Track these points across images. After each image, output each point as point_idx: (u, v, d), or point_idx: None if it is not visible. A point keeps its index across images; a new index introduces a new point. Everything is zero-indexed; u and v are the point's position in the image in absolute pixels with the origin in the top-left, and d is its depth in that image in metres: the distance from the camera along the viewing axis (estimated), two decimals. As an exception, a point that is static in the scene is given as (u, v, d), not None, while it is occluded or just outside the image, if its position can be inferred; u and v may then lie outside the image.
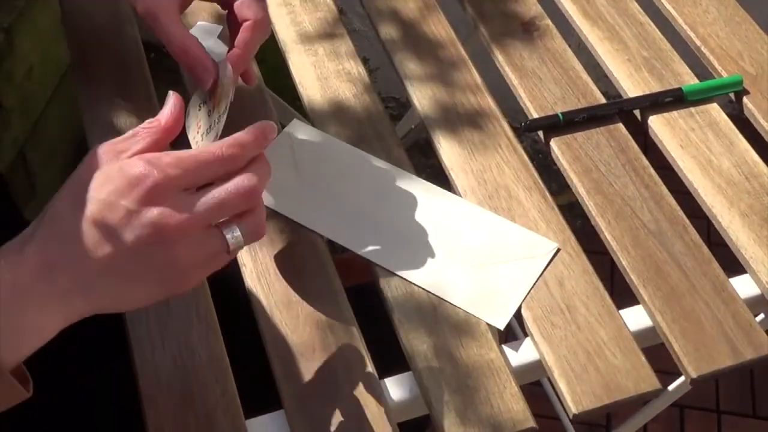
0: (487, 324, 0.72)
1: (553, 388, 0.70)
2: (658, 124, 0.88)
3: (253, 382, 0.68)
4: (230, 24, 0.78)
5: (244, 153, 0.60)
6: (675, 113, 0.89)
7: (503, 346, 0.73)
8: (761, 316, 0.79)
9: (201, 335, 0.71)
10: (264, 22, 0.75)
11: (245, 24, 0.75)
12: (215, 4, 0.97)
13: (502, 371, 0.69)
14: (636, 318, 0.74)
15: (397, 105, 2.08)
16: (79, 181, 0.57)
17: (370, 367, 0.69)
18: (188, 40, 0.74)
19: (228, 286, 0.79)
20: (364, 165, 0.83)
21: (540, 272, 0.75)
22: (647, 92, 0.90)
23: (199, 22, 0.95)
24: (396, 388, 0.70)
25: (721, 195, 0.82)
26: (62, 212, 0.56)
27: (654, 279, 0.75)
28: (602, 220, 0.80)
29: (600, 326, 0.72)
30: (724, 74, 0.93)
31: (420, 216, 0.79)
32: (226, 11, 0.79)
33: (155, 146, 0.59)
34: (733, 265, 0.79)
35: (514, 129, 0.87)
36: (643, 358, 0.70)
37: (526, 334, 0.73)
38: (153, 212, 0.55)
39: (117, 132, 0.79)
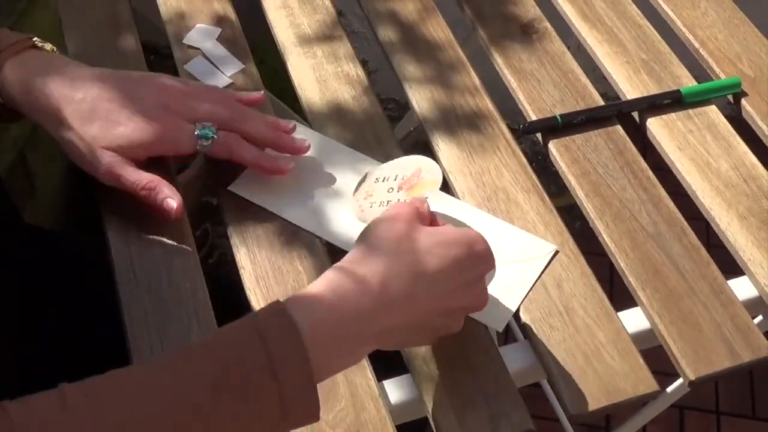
0: (486, 326, 0.72)
1: (553, 389, 0.70)
2: (656, 126, 0.88)
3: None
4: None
5: None
6: (673, 115, 0.89)
7: (502, 348, 0.73)
8: (759, 318, 0.79)
9: (201, 339, 0.71)
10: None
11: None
12: (215, 6, 0.97)
13: (500, 373, 0.69)
14: (634, 320, 0.74)
15: (397, 107, 2.08)
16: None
17: (369, 370, 0.69)
18: (147, 176, 0.76)
19: (227, 289, 0.79)
20: (363, 167, 0.83)
21: (538, 274, 0.75)
22: (646, 94, 0.90)
23: (197, 25, 0.95)
24: (395, 390, 0.70)
25: (719, 197, 0.82)
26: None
27: (652, 281, 0.75)
28: (601, 222, 0.80)
29: (598, 328, 0.72)
30: (723, 76, 0.93)
31: None
32: None
33: None
34: (731, 267, 0.79)
35: (513, 131, 0.87)
36: (642, 360, 0.70)
37: (524, 337, 0.73)
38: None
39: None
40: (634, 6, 1.00)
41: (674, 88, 0.91)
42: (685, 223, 0.80)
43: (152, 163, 0.77)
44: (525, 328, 0.73)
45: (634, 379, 0.69)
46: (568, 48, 0.96)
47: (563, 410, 0.69)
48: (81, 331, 0.86)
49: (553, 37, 0.96)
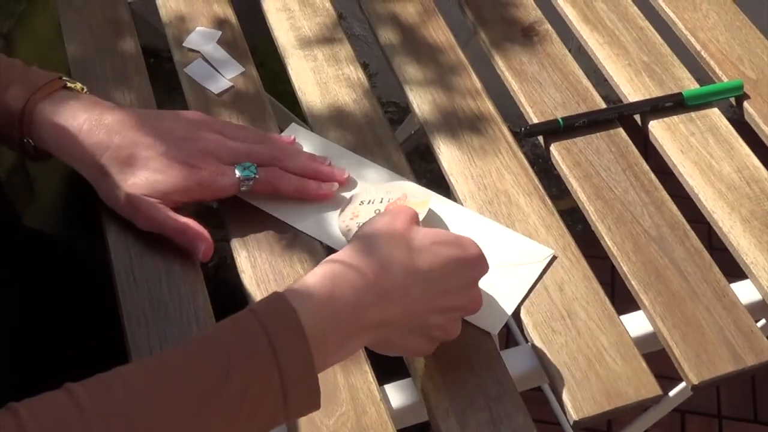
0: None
1: (554, 393, 0.70)
2: (658, 129, 0.88)
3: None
4: None
5: None
6: (675, 118, 0.88)
7: (503, 351, 0.72)
8: (762, 321, 0.79)
9: (201, 333, 0.71)
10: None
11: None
12: (215, 9, 0.97)
13: (502, 377, 0.69)
14: (637, 324, 0.74)
15: (397, 110, 2.08)
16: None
17: (370, 373, 0.69)
18: (182, 221, 0.76)
19: (227, 292, 0.79)
20: (363, 171, 0.82)
21: (535, 279, 0.75)
22: (647, 97, 0.90)
23: (197, 28, 0.94)
24: (396, 394, 0.70)
25: (722, 200, 0.81)
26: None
27: (655, 285, 0.75)
28: (602, 225, 0.79)
29: (600, 332, 0.72)
30: (725, 79, 0.92)
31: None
32: None
33: None
34: (734, 270, 0.79)
35: (514, 134, 0.87)
36: (644, 364, 0.70)
37: (526, 340, 0.73)
38: None
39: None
40: (635, 8, 1.00)
41: (676, 90, 0.90)
42: (688, 226, 0.79)
43: None
44: (526, 332, 0.72)
45: (637, 383, 0.69)
46: (569, 50, 0.96)
47: (565, 415, 0.68)
48: (81, 335, 0.86)
49: (554, 40, 0.96)
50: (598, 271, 0.77)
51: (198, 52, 0.93)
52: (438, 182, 0.86)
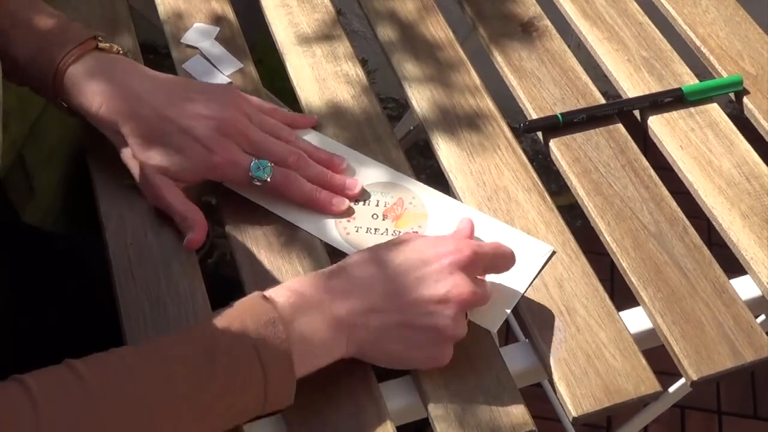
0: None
1: (554, 389, 0.70)
2: (657, 124, 0.88)
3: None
4: None
5: None
6: (675, 113, 0.88)
7: (502, 348, 0.72)
8: (762, 317, 0.78)
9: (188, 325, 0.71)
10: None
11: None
12: (213, 5, 0.96)
13: (501, 374, 0.69)
14: (636, 320, 0.74)
15: (396, 105, 2.07)
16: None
17: (369, 371, 0.69)
18: (187, 207, 0.77)
19: (226, 289, 0.79)
20: (362, 167, 0.82)
21: (534, 275, 0.75)
22: (647, 92, 0.90)
23: (195, 24, 0.94)
24: (395, 391, 0.70)
25: (721, 196, 0.81)
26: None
27: (654, 281, 0.75)
28: (602, 221, 0.79)
29: (600, 328, 0.72)
30: (724, 74, 0.92)
31: None
32: None
33: None
34: (733, 265, 0.79)
35: (513, 130, 0.86)
36: (644, 361, 0.70)
37: (525, 337, 0.73)
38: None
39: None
40: (635, 4, 1.00)
41: (675, 86, 0.90)
42: (687, 222, 0.79)
43: None
44: (526, 328, 0.72)
45: (636, 379, 0.69)
46: (569, 46, 0.95)
47: (564, 411, 0.68)
48: (79, 331, 0.86)
49: (554, 36, 0.96)
50: (598, 267, 0.76)
51: (196, 48, 0.92)
52: (437, 178, 0.85)
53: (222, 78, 0.89)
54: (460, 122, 0.87)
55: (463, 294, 0.66)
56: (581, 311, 0.72)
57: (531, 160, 0.84)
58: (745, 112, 0.90)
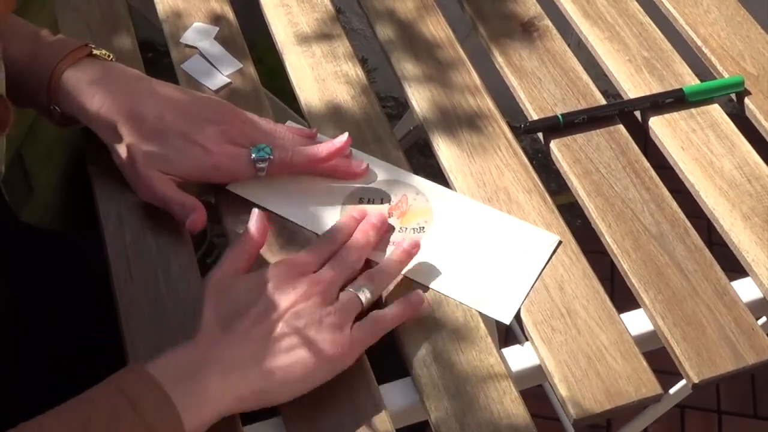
0: (486, 328, 0.71)
1: (554, 392, 0.69)
2: (658, 125, 0.87)
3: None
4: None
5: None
6: (676, 114, 0.88)
7: (503, 350, 0.72)
8: (763, 319, 0.78)
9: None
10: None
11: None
12: (212, 5, 0.96)
13: (501, 376, 0.68)
14: (637, 322, 0.74)
15: (396, 104, 2.07)
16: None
17: (369, 373, 0.69)
18: (183, 195, 0.77)
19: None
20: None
21: (543, 265, 0.75)
22: (648, 93, 0.89)
23: (194, 24, 0.94)
24: (394, 393, 0.69)
25: (722, 197, 0.81)
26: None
27: (655, 282, 0.75)
28: (603, 222, 0.79)
29: (601, 330, 0.71)
30: (725, 75, 0.92)
31: None
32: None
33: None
34: (734, 264, 0.78)
35: (514, 129, 0.86)
36: (645, 363, 0.70)
37: (526, 339, 0.73)
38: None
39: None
40: (635, 3, 0.99)
41: (676, 86, 0.90)
42: (689, 223, 0.79)
43: None
44: (526, 330, 0.72)
45: (637, 381, 0.68)
46: (569, 45, 0.95)
47: (565, 413, 0.68)
48: (78, 331, 0.86)
49: (554, 36, 0.96)
50: (599, 266, 0.76)
51: (195, 48, 0.92)
52: (437, 178, 0.85)
53: (221, 78, 0.89)
54: (460, 122, 0.86)
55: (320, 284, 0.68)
56: (582, 313, 0.72)
57: (531, 159, 0.84)
58: (747, 113, 0.90)
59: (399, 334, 0.71)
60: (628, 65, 0.93)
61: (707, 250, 0.77)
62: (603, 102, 0.89)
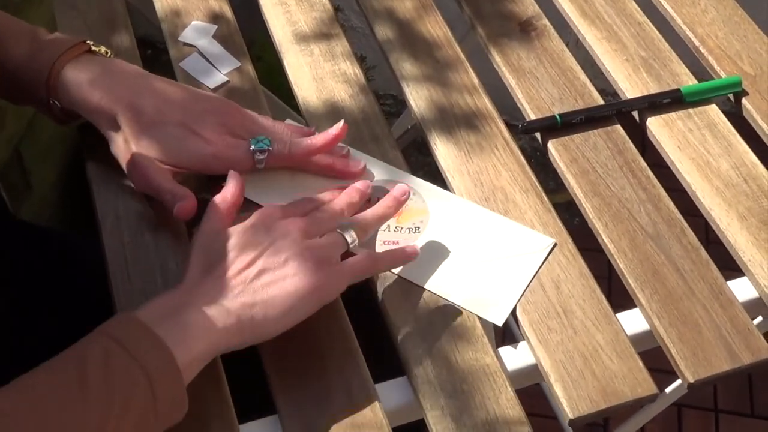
0: (483, 328, 0.71)
1: (550, 391, 0.69)
2: (656, 125, 0.87)
3: (248, 387, 0.68)
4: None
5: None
6: (673, 114, 0.88)
7: (499, 350, 0.72)
8: (759, 319, 0.78)
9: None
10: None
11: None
12: (210, 3, 0.96)
13: (497, 376, 0.69)
14: (633, 322, 0.74)
15: (395, 102, 2.07)
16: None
17: (365, 372, 0.69)
18: (175, 185, 0.78)
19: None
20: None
21: (537, 268, 0.75)
22: (645, 92, 0.89)
23: (193, 22, 0.94)
24: (391, 392, 0.70)
25: (719, 197, 0.81)
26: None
27: (651, 282, 0.75)
28: (599, 222, 0.79)
29: (597, 330, 0.71)
30: (723, 74, 0.92)
31: None
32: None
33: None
34: (730, 264, 0.79)
35: (512, 128, 0.86)
36: (640, 363, 0.70)
37: (522, 338, 0.73)
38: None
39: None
40: (633, 3, 0.99)
41: (674, 86, 0.90)
42: (685, 224, 0.79)
43: None
44: (522, 330, 0.72)
45: (633, 381, 0.69)
46: (566, 44, 0.95)
47: (561, 413, 0.68)
48: (76, 330, 0.86)
49: (552, 35, 0.96)
50: (595, 264, 0.76)
51: (194, 46, 0.92)
52: (434, 176, 0.85)
53: (219, 76, 0.89)
54: (458, 122, 0.87)
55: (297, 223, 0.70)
56: (578, 313, 0.72)
57: (529, 158, 0.84)
58: (744, 113, 0.90)
59: (395, 333, 0.71)
60: (626, 65, 0.93)
61: (703, 249, 0.77)
62: (600, 101, 0.89)
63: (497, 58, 0.93)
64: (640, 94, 0.89)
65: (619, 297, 0.76)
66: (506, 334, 1.37)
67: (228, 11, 0.96)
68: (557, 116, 0.86)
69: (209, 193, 0.80)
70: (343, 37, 0.94)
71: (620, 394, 0.68)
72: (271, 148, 0.78)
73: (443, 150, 0.84)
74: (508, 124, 0.87)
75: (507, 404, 0.67)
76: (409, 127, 1.47)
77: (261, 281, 0.66)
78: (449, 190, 0.82)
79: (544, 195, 0.81)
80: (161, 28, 0.94)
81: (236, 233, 0.69)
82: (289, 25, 0.95)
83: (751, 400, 1.74)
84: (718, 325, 0.72)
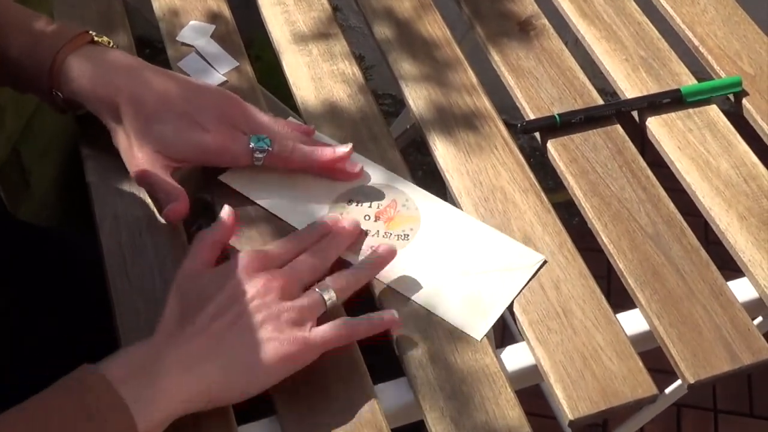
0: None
1: (550, 392, 0.69)
2: (655, 125, 0.87)
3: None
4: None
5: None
6: (673, 114, 0.88)
7: (498, 351, 0.72)
8: (759, 319, 0.78)
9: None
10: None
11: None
12: (208, 3, 0.96)
13: (497, 376, 0.68)
14: (633, 322, 0.74)
15: (394, 102, 2.07)
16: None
17: (364, 373, 0.68)
18: (173, 183, 0.77)
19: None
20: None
21: (524, 284, 0.74)
22: (645, 92, 0.89)
23: (191, 21, 0.94)
24: (390, 393, 0.69)
25: (719, 197, 0.81)
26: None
27: (651, 282, 0.75)
28: (599, 222, 0.79)
29: (596, 330, 0.71)
30: (722, 74, 0.92)
31: None
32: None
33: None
34: (730, 264, 0.78)
35: (511, 127, 0.86)
36: (640, 363, 0.70)
37: (522, 338, 0.73)
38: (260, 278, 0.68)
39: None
40: (633, 2, 0.99)
41: (673, 85, 0.90)
42: (685, 224, 0.79)
43: None
44: (522, 330, 0.72)
45: (633, 382, 0.68)
46: (566, 44, 0.95)
47: (561, 414, 0.68)
48: (73, 329, 0.86)
49: (551, 35, 0.96)
50: (595, 264, 0.76)
51: (192, 46, 0.92)
52: (434, 175, 0.85)
53: (217, 76, 0.89)
54: (457, 122, 0.86)
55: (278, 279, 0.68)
56: (578, 313, 0.72)
57: (528, 158, 0.84)
58: (744, 113, 0.90)
59: (394, 334, 0.71)
60: (625, 64, 0.93)
61: (703, 250, 0.77)
62: (600, 101, 0.89)
63: (496, 58, 0.93)
64: (639, 94, 0.89)
65: (618, 297, 0.76)
66: (506, 334, 1.37)
67: (226, 11, 0.96)
68: (556, 116, 0.85)
69: (208, 193, 0.80)
70: (342, 37, 0.94)
71: (620, 394, 0.68)
72: (271, 149, 0.77)
73: (442, 150, 0.84)
74: (507, 124, 0.86)
75: (506, 405, 0.67)
76: (408, 126, 1.47)
77: (237, 341, 0.65)
78: (448, 191, 0.82)
79: (543, 195, 0.80)
80: (159, 27, 0.94)
81: (215, 281, 0.68)
82: (287, 25, 0.95)
83: (751, 401, 1.74)
84: (718, 326, 0.72)
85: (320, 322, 0.68)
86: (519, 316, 0.72)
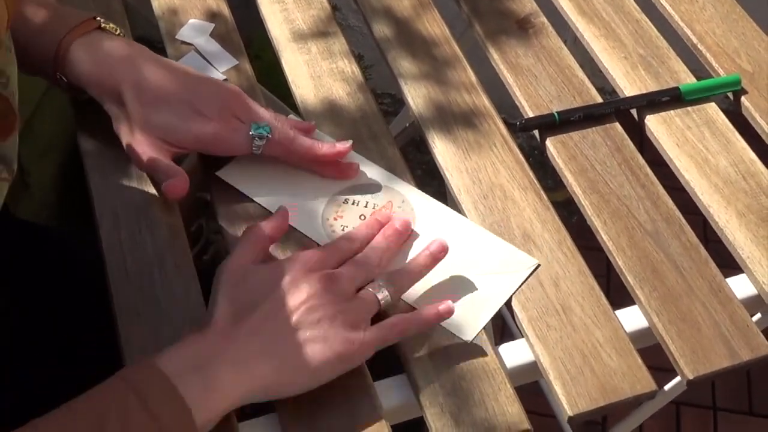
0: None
1: (549, 389, 0.69)
2: (654, 122, 0.87)
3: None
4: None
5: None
6: (672, 112, 0.88)
7: (498, 347, 0.72)
8: (758, 316, 0.78)
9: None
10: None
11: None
12: (208, 1, 0.96)
13: (496, 373, 0.69)
14: (632, 319, 0.74)
15: (393, 101, 2.07)
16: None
17: (364, 369, 0.69)
18: (175, 166, 0.78)
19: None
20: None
21: (516, 287, 0.74)
22: (643, 90, 0.89)
23: (190, 20, 0.94)
24: (390, 390, 0.69)
25: (718, 194, 0.81)
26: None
27: (650, 279, 0.75)
28: (598, 220, 0.79)
29: (596, 327, 0.71)
30: (721, 72, 0.92)
31: None
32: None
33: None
34: (729, 261, 0.79)
35: (510, 126, 0.86)
36: (639, 360, 0.70)
37: (521, 335, 0.73)
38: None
39: (110, 127, 0.78)
40: (631, 0, 0.99)
41: (672, 83, 0.90)
42: (684, 221, 0.79)
43: None
44: (521, 327, 0.72)
45: (632, 378, 0.69)
46: (564, 42, 0.95)
47: (560, 410, 0.68)
48: (73, 329, 0.86)
49: (550, 33, 0.96)
50: (594, 262, 0.76)
51: (191, 45, 0.92)
52: (433, 174, 0.85)
53: (216, 75, 0.89)
54: (456, 120, 0.87)
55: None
56: (577, 310, 0.72)
57: (527, 156, 0.84)
58: (742, 110, 0.90)
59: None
60: (624, 62, 0.93)
61: (702, 247, 0.77)
62: (598, 99, 0.89)
63: (495, 56, 0.93)
64: (638, 92, 0.89)
65: (618, 294, 0.76)
66: (505, 331, 1.37)
67: (225, 9, 0.96)
68: (555, 114, 0.85)
69: (208, 193, 0.80)
70: (341, 36, 0.94)
71: (619, 391, 0.68)
72: (270, 136, 0.78)
73: (441, 148, 0.84)
74: (506, 122, 0.87)
75: (506, 401, 0.67)
76: (407, 125, 1.47)
77: (293, 341, 0.64)
78: (447, 188, 0.82)
79: (542, 192, 0.81)
80: (158, 26, 0.94)
81: (269, 279, 0.67)
82: (286, 24, 0.95)
83: (750, 398, 1.75)
84: (717, 322, 0.72)
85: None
86: (518, 313, 0.73)
